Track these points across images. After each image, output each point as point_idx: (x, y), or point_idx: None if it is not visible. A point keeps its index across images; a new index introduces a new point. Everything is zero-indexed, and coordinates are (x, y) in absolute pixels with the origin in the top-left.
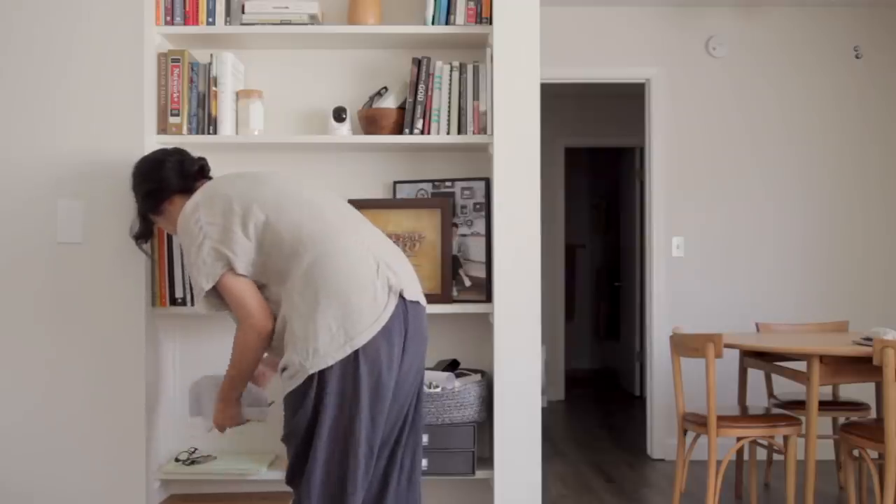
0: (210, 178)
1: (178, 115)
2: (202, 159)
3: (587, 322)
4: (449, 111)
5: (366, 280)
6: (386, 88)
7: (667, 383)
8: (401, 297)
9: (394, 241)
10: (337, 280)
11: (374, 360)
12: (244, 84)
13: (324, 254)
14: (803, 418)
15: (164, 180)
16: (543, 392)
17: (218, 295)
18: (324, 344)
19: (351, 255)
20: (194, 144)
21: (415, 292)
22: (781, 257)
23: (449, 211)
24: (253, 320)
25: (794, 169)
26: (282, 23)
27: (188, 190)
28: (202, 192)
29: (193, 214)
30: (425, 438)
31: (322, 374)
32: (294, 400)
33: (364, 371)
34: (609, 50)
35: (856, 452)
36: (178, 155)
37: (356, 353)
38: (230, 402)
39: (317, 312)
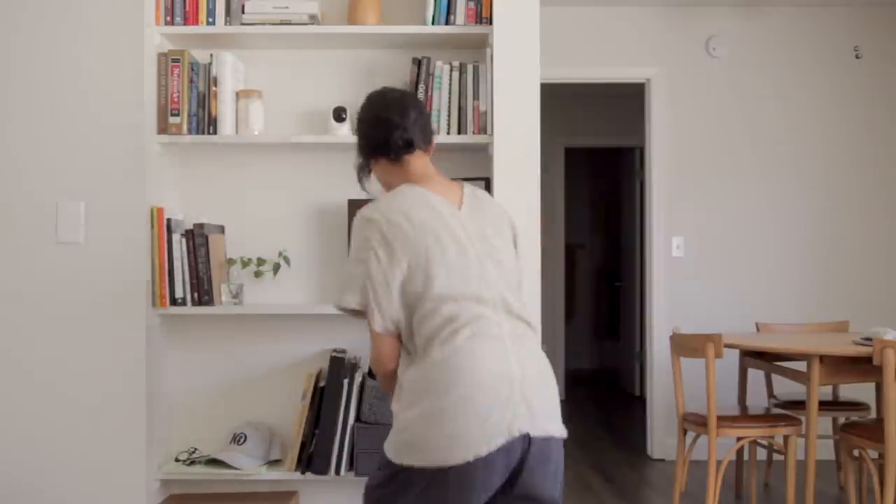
0: (423, 145)
1: (178, 115)
2: (406, 132)
3: (587, 322)
4: (449, 111)
5: (486, 407)
6: None
7: (667, 383)
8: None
9: None
10: (456, 392)
11: (461, 483)
12: (244, 84)
13: (457, 354)
14: (803, 418)
15: (369, 140)
16: None
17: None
18: (416, 441)
19: (486, 369)
20: (194, 144)
21: (545, 426)
22: (781, 257)
23: None
24: (375, 361)
25: (794, 169)
26: (282, 23)
27: (396, 159)
28: (383, 211)
29: (368, 230)
30: None
31: (404, 469)
32: (379, 465)
33: (446, 492)
34: (609, 50)
35: (856, 452)
36: (396, 124)
37: (444, 471)
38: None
39: (422, 409)
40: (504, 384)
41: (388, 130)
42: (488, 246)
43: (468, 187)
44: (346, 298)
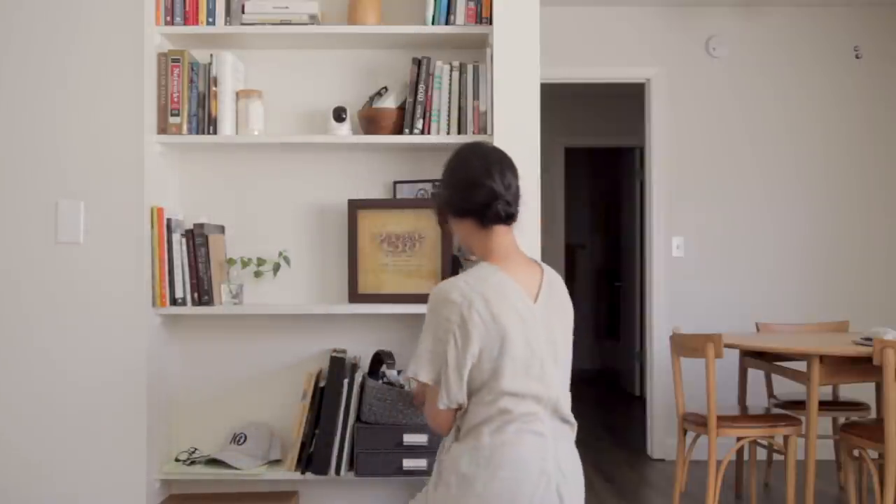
0: (510, 213)
1: (178, 115)
2: (510, 206)
3: (587, 322)
4: (449, 111)
5: (527, 496)
6: (386, 88)
7: (667, 383)
8: None
9: (394, 241)
10: (501, 481)
11: None
12: (244, 84)
13: (505, 445)
14: (803, 418)
15: (465, 202)
16: None
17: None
18: None
19: (530, 462)
20: (194, 144)
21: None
22: (781, 257)
23: None
24: (432, 427)
25: (794, 169)
26: (282, 23)
27: (486, 226)
28: (465, 293)
29: (449, 311)
30: (425, 438)
31: None
32: None
33: None
34: (609, 50)
35: (856, 452)
36: (499, 194)
37: None
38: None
39: (465, 491)
40: (543, 479)
41: (489, 198)
42: (553, 344)
43: (547, 274)
44: (422, 373)
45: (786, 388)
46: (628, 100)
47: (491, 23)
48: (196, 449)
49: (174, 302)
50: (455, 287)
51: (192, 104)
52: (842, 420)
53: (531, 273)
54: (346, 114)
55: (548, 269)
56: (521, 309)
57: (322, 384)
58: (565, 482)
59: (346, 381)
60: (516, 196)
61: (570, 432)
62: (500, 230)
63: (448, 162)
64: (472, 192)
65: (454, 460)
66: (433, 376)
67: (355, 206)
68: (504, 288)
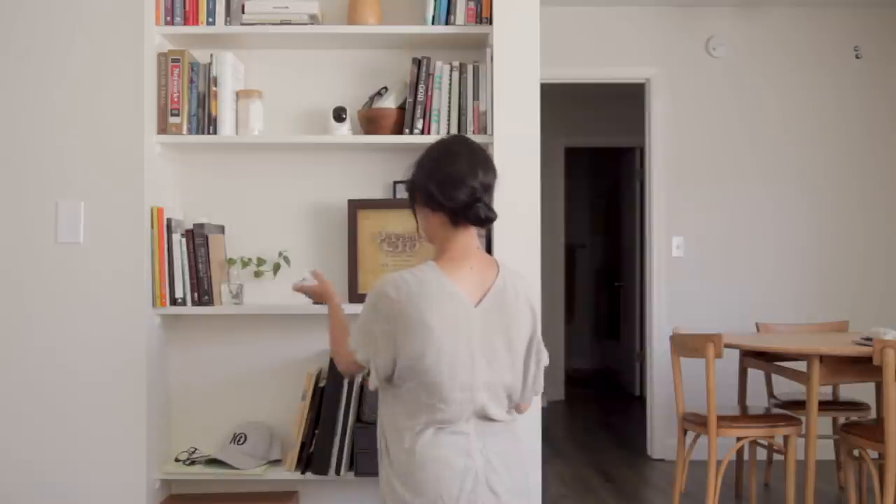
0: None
1: (178, 114)
2: (490, 210)
3: (587, 322)
4: (449, 111)
5: (453, 497)
6: (386, 88)
7: (667, 383)
8: None
9: (394, 241)
10: (426, 484)
11: None
12: (244, 84)
13: (424, 448)
14: (803, 418)
15: (443, 196)
16: (543, 392)
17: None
18: None
19: (451, 463)
20: (194, 144)
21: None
22: (781, 257)
23: None
24: (341, 366)
25: (794, 169)
26: (282, 23)
27: (455, 225)
28: (402, 291)
29: (383, 303)
30: None
31: None
32: None
33: None
34: (609, 50)
35: (856, 452)
36: (479, 196)
37: None
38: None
39: (400, 490)
40: (469, 476)
41: (471, 199)
42: (490, 349)
43: (501, 278)
44: (357, 351)
45: (786, 388)
46: (628, 100)
47: (491, 23)
48: (196, 449)
49: (174, 302)
50: (393, 283)
51: (192, 104)
52: (842, 420)
53: (484, 275)
54: (346, 114)
55: (507, 271)
56: (455, 313)
57: (322, 384)
58: (498, 477)
59: (346, 381)
60: (491, 197)
61: (503, 427)
62: (467, 230)
63: (432, 150)
64: (455, 190)
65: (385, 466)
66: (366, 357)
67: (355, 206)
68: (441, 291)
